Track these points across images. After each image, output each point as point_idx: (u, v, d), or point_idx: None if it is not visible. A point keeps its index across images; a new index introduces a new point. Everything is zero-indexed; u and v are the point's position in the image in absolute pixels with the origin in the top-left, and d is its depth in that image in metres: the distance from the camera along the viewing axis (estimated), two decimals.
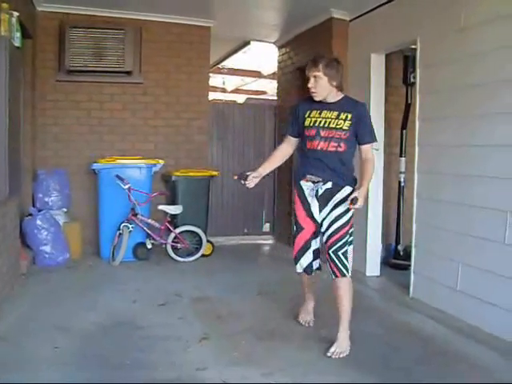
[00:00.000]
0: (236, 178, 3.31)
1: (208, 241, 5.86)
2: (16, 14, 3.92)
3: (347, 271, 3.20)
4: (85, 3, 5.65)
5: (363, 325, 3.60)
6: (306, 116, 3.26)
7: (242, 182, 3.27)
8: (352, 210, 3.14)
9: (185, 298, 4.29)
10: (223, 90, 12.04)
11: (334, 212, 3.19)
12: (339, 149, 3.16)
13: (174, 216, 5.69)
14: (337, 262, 3.17)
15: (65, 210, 5.71)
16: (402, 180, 5.49)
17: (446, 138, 4.03)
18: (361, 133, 3.18)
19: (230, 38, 7.20)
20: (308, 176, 3.25)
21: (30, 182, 5.55)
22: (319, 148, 3.18)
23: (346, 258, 3.20)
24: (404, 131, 5.47)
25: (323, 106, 3.22)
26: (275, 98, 7.77)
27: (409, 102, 5.40)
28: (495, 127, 3.52)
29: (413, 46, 4.62)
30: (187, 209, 5.68)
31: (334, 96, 3.21)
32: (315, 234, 3.33)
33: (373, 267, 5.17)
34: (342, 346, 3.15)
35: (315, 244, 3.36)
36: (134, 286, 4.57)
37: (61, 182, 5.67)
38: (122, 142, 6.11)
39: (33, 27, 5.40)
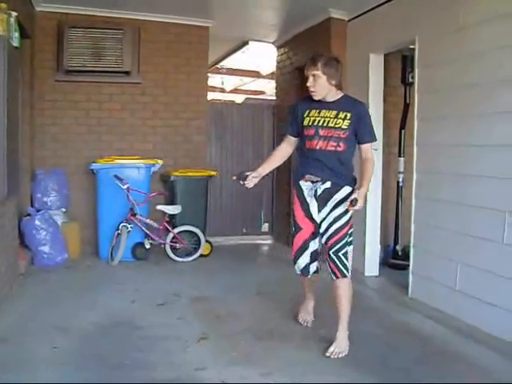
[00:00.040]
0: (235, 178, 3.30)
1: (207, 241, 5.86)
2: (14, 13, 3.91)
3: (347, 271, 3.19)
4: (83, 3, 5.65)
5: (362, 325, 3.59)
6: (305, 115, 3.24)
7: (241, 182, 3.26)
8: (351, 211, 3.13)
9: (184, 297, 4.29)
10: (222, 90, 12.04)
11: (333, 213, 3.18)
12: (338, 148, 3.15)
13: (172, 216, 5.69)
14: (337, 262, 3.16)
15: (63, 210, 5.70)
16: (401, 180, 5.50)
17: (444, 138, 4.03)
18: (360, 132, 3.16)
19: (228, 37, 7.20)
20: (307, 176, 3.24)
21: (29, 182, 5.54)
22: (318, 147, 3.17)
23: (347, 258, 3.19)
24: (402, 131, 5.48)
25: (322, 105, 3.20)
26: (274, 97, 7.77)
27: (407, 101, 5.41)
28: (493, 127, 3.53)
29: (411, 46, 4.62)
30: (186, 209, 5.68)
31: (334, 95, 3.20)
32: (314, 235, 3.29)
33: (371, 267, 5.18)
34: (340, 345, 3.15)
35: (314, 245, 3.32)
36: (133, 286, 4.56)
37: (59, 182, 5.66)
38: (121, 142, 6.11)
39: (31, 27, 5.39)
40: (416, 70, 4.41)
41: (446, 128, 4.02)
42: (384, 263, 5.48)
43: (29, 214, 5.22)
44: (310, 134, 3.20)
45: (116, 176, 5.32)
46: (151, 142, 6.23)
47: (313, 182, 3.22)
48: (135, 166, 5.61)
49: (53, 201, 5.58)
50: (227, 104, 8.62)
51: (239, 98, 11.90)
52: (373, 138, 3.23)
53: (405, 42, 4.65)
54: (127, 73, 5.91)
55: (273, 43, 7.23)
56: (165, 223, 5.60)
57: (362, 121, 3.15)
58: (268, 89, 11.13)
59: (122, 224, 5.35)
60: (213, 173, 6.05)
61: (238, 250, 6.58)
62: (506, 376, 2.90)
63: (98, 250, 5.64)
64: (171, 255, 5.61)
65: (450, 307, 3.88)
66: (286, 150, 3.47)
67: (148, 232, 5.54)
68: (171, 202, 5.82)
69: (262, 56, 8.51)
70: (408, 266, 4.49)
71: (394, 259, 5.50)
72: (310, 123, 3.21)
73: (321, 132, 3.16)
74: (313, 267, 3.37)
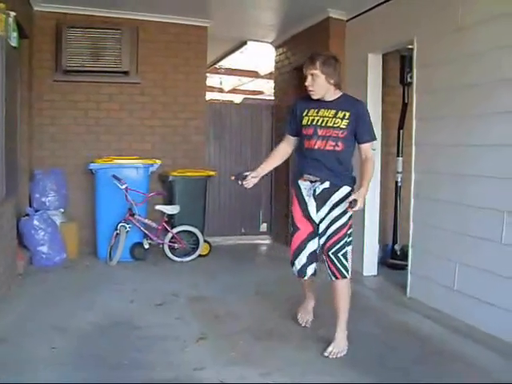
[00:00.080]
0: (233, 178, 3.29)
1: (205, 241, 5.86)
2: (13, 13, 3.91)
3: (347, 272, 3.18)
4: (82, 3, 5.64)
5: (360, 324, 3.60)
6: (304, 115, 3.23)
7: (240, 182, 3.25)
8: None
9: (182, 297, 4.28)
10: (220, 90, 12.04)
11: (332, 213, 3.16)
12: (337, 148, 3.13)
13: (171, 216, 5.68)
14: (337, 263, 3.15)
15: (62, 210, 5.70)
16: (399, 180, 5.50)
17: (442, 138, 4.04)
18: (360, 131, 3.14)
19: (227, 38, 7.20)
20: (306, 175, 3.23)
21: (27, 182, 5.53)
22: (317, 147, 3.16)
23: (346, 259, 3.17)
24: (401, 131, 5.48)
25: (321, 104, 3.19)
26: (272, 97, 7.77)
27: (406, 101, 5.42)
28: (492, 127, 3.53)
29: (410, 46, 4.63)
30: (184, 209, 5.67)
31: (332, 94, 3.19)
32: (312, 235, 3.27)
33: (370, 267, 5.18)
34: (339, 345, 3.15)
35: (312, 246, 3.28)
36: (131, 286, 4.56)
37: (58, 182, 5.65)
38: (119, 142, 6.10)
39: (30, 27, 5.39)
40: (414, 70, 4.41)
41: (444, 128, 4.02)
42: (382, 263, 5.48)
43: (27, 214, 5.22)
44: (308, 133, 3.19)
45: (114, 176, 5.31)
46: (150, 142, 6.22)
47: (311, 181, 3.21)
48: (134, 165, 5.61)
49: (51, 201, 5.57)
50: (226, 104, 8.61)
51: (238, 98, 11.90)
52: (372, 138, 3.20)
53: (403, 41, 4.65)
54: (126, 73, 5.90)
55: (271, 43, 7.23)
56: (163, 223, 5.60)
57: (360, 120, 3.13)
58: (266, 89, 11.13)
59: (120, 224, 5.35)
60: (211, 173, 6.05)
61: (236, 250, 6.57)
62: (504, 376, 2.90)
63: (96, 250, 5.63)
64: (170, 255, 5.61)
65: (448, 307, 3.89)
66: (285, 149, 3.45)
67: (146, 232, 5.54)
68: (170, 202, 5.82)
69: (260, 56, 8.52)
70: (406, 265, 4.50)
71: (393, 259, 5.51)
72: (309, 123, 3.19)
73: (319, 131, 3.15)
74: (310, 269, 3.32)
